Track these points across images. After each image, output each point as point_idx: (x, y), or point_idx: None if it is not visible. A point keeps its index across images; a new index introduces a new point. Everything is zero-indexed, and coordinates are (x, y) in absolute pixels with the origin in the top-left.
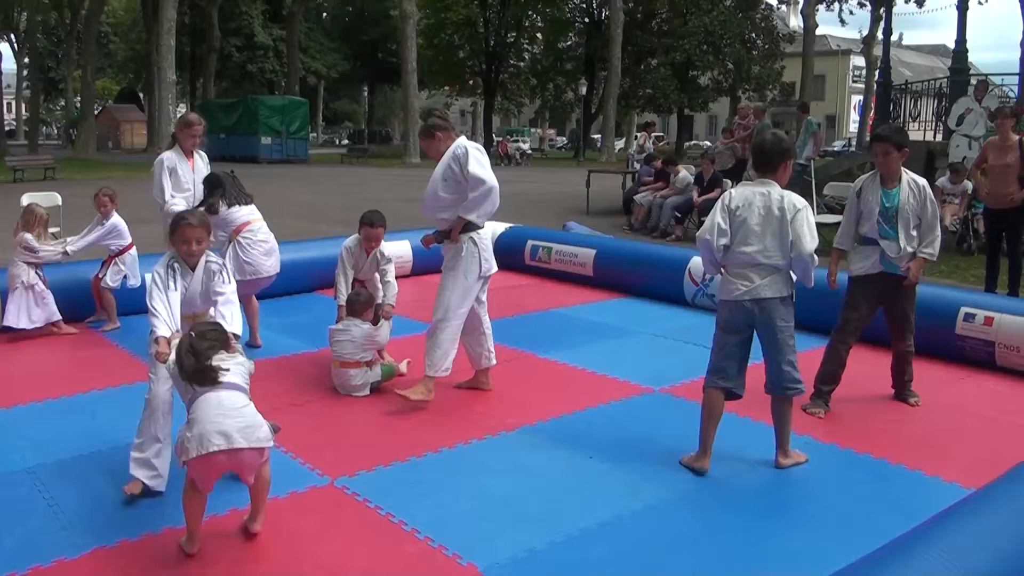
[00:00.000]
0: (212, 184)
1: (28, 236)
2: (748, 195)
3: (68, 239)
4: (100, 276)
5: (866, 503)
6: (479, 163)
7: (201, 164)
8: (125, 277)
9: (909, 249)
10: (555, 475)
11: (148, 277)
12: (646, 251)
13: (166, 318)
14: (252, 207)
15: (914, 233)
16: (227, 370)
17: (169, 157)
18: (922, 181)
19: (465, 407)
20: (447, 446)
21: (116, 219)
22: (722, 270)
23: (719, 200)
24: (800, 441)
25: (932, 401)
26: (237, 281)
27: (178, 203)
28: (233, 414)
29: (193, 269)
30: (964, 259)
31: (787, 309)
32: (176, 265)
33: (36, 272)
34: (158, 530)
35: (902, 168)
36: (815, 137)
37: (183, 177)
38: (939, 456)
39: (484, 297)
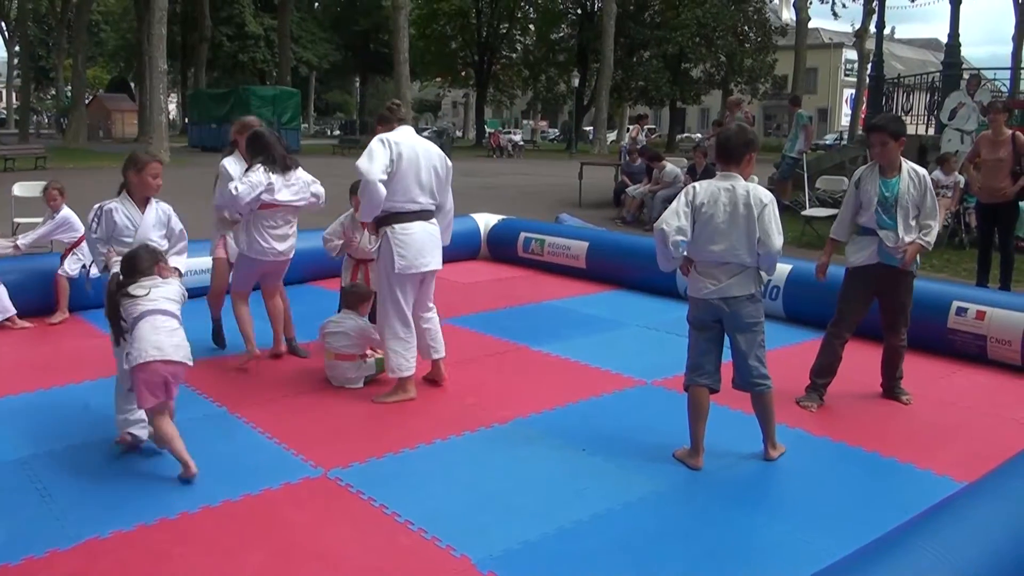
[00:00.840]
0: (261, 146)
1: None
2: (713, 191)
3: (19, 234)
4: (59, 269)
5: (858, 496)
6: (367, 155)
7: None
8: (84, 266)
9: (907, 239)
10: (548, 467)
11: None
12: (639, 244)
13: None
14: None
15: (913, 223)
16: (144, 294)
17: (231, 163)
18: (922, 171)
19: (457, 399)
20: (440, 438)
21: (66, 212)
22: (692, 268)
23: (682, 193)
24: (792, 434)
25: (924, 395)
26: (242, 259)
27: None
28: (166, 334)
29: (143, 210)
30: (956, 253)
31: (755, 306)
32: (113, 208)
33: None
34: (151, 521)
35: (902, 158)
36: (806, 130)
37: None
38: (931, 450)
39: (425, 292)
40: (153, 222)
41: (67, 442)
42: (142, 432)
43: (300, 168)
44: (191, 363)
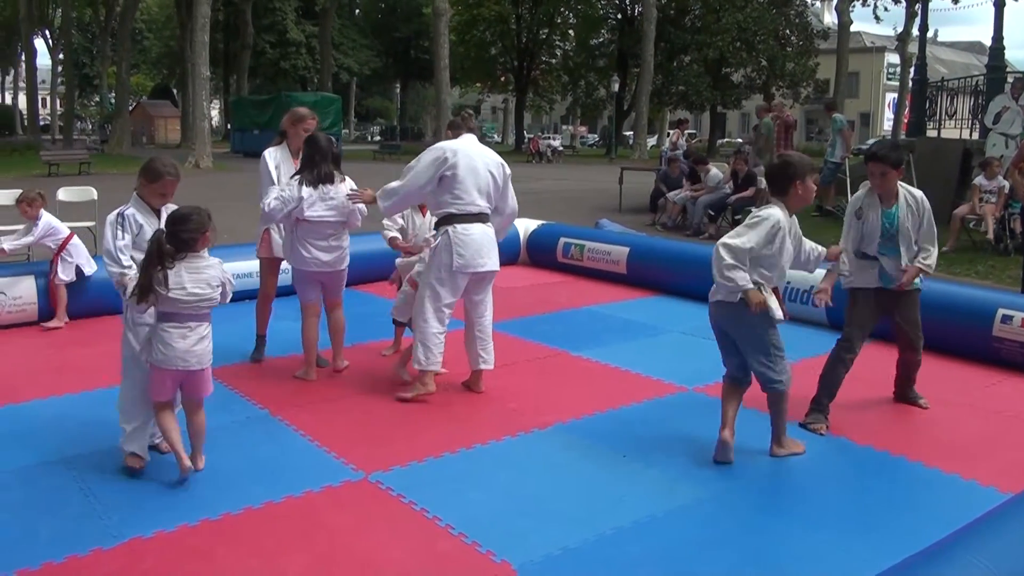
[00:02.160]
0: (310, 154)
1: None
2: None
3: (4, 238)
4: (52, 276)
5: (902, 506)
6: (416, 160)
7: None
8: (78, 268)
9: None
10: (589, 473)
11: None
12: (680, 249)
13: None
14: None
15: (915, 248)
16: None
17: (273, 154)
18: (919, 194)
19: (498, 404)
20: (480, 443)
21: (46, 218)
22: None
23: (767, 223)
24: (836, 442)
25: (968, 404)
26: (292, 269)
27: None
28: (195, 342)
29: (159, 216)
30: (1001, 259)
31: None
32: (134, 213)
33: None
34: (195, 522)
35: (898, 183)
36: (842, 134)
37: (285, 176)
38: (975, 460)
39: (481, 297)
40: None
41: (110, 443)
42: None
43: (346, 180)
44: (210, 365)
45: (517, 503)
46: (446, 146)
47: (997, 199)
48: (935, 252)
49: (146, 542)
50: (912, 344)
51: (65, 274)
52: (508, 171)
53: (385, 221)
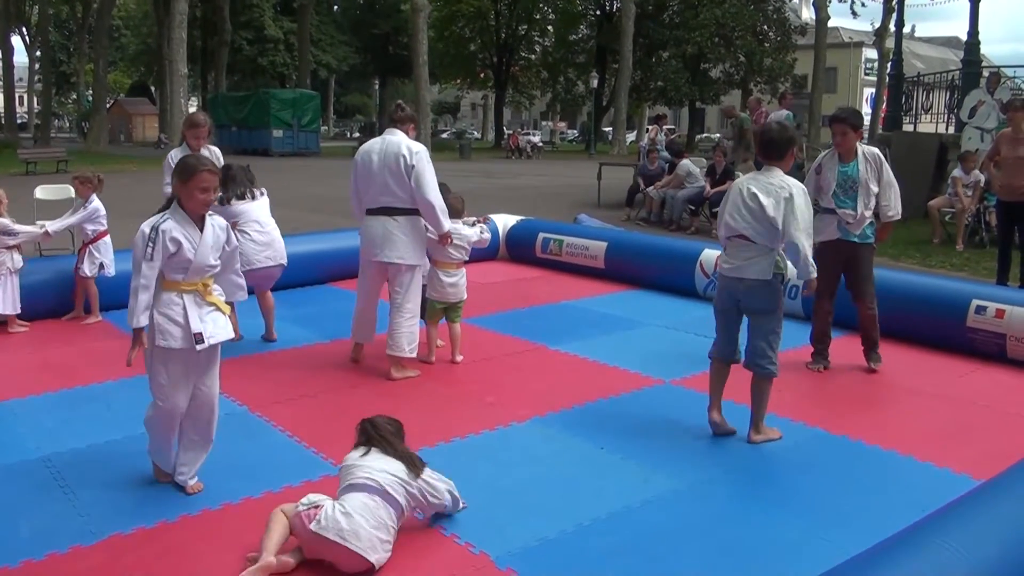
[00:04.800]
0: (225, 177)
1: (4, 220)
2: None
3: (48, 221)
4: (78, 266)
5: (876, 494)
6: None
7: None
8: (102, 266)
9: (867, 214)
10: (566, 466)
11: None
12: (657, 243)
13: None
14: (260, 201)
15: (873, 201)
16: None
17: (175, 155)
18: (874, 150)
19: (476, 398)
20: (459, 436)
21: (98, 203)
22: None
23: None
24: (811, 432)
25: (942, 393)
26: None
27: None
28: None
29: (200, 226)
30: (976, 252)
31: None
32: (171, 226)
33: (18, 255)
34: (174, 518)
35: (857, 143)
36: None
37: None
38: (949, 449)
39: (398, 290)
40: (211, 243)
41: (89, 441)
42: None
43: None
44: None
45: (495, 496)
46: (359, 150)
47: (973, 192)
48: (899, 198)
49: (125, 538)
50: (861, 297)
51: (89, 269)
52: (411, 162)
53: None
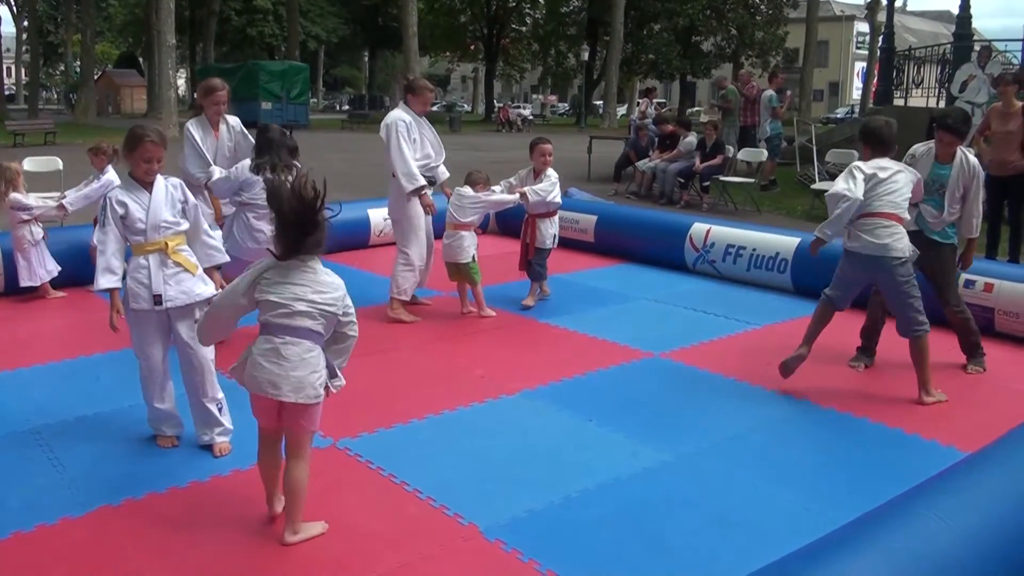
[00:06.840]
0: (260, 142)
1: (17, 196)
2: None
3: (64, 193)
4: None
5: (864, 466)
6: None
7: (226, 134)
8: None
9: (948, 218)
10: (555, 438)
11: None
12: (647, 217)
13: (113, 262)
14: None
15: (956, 207)
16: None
17: (194, 127)
18: (974, 159)
19: (466, 371)
20: (448, 409)
21: (113, 174)
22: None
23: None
24: (800, 405)
25: (931, 367)
26: (237, 256)
27: (215, 172)
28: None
29: (149, 190)
30: None
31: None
32: (116, 192)
33: (37, 227)
34: (163, 490)
35: (959, 146)
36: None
37: (207, 149)
38: (937, 421)
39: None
40: (164, 200)
41: (78, 413)
42: (178, 431)
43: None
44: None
45: (484, 468)
46: None
47: None
48: (979, 220)
49: (114, 510)
50: (945, 298)
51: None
52: (382, 133)
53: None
